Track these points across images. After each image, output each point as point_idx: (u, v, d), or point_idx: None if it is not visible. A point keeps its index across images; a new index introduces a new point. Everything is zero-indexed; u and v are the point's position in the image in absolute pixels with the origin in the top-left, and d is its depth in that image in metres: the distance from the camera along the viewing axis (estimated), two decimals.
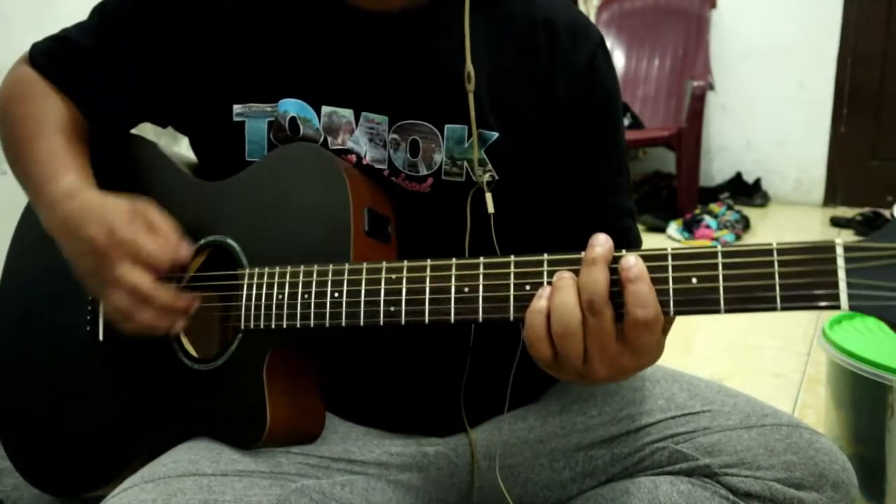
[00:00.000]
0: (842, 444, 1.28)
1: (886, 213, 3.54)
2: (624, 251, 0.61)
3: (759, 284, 0.57)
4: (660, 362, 0.84)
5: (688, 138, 3.59)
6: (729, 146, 4.15)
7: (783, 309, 0.56)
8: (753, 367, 1.91)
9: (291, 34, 0.82)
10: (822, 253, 0.55)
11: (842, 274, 0.54)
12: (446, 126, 0.80)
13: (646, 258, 0.60)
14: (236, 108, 0.83)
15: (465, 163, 0.80)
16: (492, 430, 0.88)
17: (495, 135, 0.80)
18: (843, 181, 3.96)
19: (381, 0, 0.80)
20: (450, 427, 0.87)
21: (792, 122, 3.99)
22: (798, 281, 0.56)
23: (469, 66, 0.78)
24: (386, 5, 0.80)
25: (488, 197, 0.79)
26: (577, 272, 0.62)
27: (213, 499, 0.71)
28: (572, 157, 0.83)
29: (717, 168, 4.18)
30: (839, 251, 0.55)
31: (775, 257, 0.56)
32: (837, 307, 0.55)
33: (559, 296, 0.61)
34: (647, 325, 0.59)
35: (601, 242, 0.61)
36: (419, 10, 0.81)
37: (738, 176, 4.10)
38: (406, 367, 0.85)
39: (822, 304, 0.55)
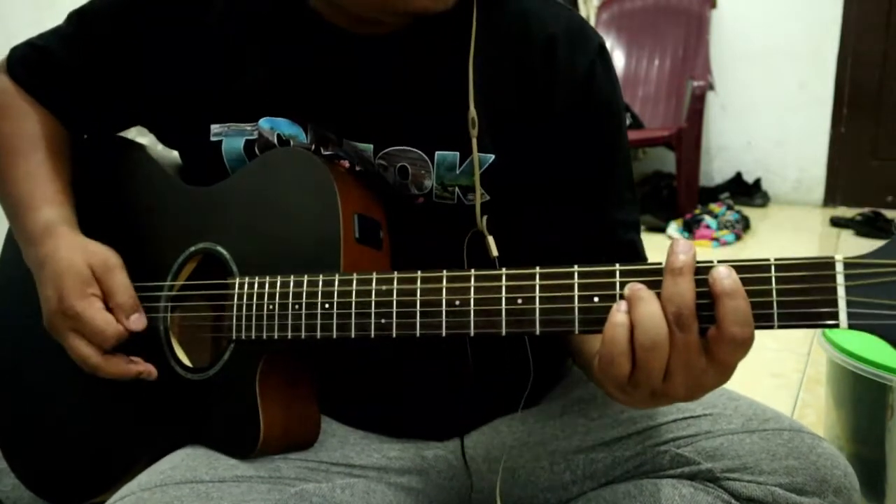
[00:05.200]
0: (842, 444, 1.27)
1: (886, 213, 3.54)
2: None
3: (755, 301, 0.55)
4: None
5: (688, 138, 3.59)
6: (729, 146, 4.14)
7: (780, 327, 0.55)
8: (753, 367, 1.89)
9: (276, 55, 0.80)
10: (821, 269, 0.53)
11: (841, 291, 0.53)
12: (437, 153, 0.78)
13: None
14: (214, 127, 0.81)
15: (457, 188, 0.79)
16: (492, 433, 0.87)
17: (491, 157, 0.78)
18: (843, 181, 3.95)
19: (372, 25, 0.77)
20: (448, 431, 0.86)
21: (792, 122, 3.99)
22: (796, 298, 0.54)
23: (472, 112, 0.75)
24: (376, 30, 0.78)
25: (490, 241, 0.77)
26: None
27: None
28: (571, 170, 0.80)
29: (717, 168, 4.17)
30: (839, 268, 0.53)
31: (773, 273, 0.55)
32: (836, 325, 0.53)
33: (643, 306, 0.57)
34: (743, 343, 0.56)
35: (685, 249, 0.56)
36: (409, 34, 0.78)
37: (738, 176, 4.09)
38: (402, 372, 0.84)
39: (821, 322, 0.53)
